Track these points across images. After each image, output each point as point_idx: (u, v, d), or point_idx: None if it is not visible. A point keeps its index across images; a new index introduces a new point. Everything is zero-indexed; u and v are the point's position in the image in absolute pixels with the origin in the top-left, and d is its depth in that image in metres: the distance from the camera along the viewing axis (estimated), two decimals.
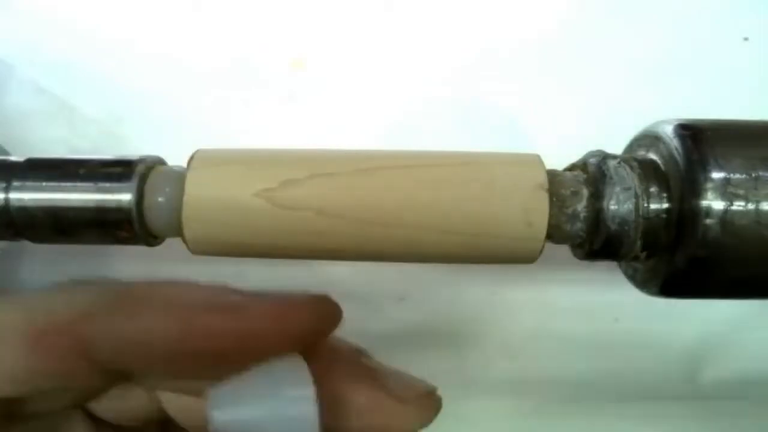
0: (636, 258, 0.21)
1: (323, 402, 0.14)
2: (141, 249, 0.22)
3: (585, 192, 0.21)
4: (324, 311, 0.15)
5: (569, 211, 0.21)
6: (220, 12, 0.33)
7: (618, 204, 0.20)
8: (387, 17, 0.33)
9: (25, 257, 0.34)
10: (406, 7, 0.33)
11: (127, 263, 0.34)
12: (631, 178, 0.20)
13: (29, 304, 0.15)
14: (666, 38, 0.33)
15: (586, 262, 0.22)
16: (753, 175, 0.19)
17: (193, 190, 0.20)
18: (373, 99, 0.34)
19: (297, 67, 0.34)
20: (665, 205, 0.20)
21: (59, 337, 0.14)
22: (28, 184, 0.21)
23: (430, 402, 0.17)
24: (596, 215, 0.21)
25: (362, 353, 0.17)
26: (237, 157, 0.21)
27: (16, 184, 0.21)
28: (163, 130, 0.34)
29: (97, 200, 0.21)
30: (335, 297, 0.20)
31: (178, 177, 0.21)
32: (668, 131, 0.20)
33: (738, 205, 0.19)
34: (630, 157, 0.21)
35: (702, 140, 0.19)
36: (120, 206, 0.20)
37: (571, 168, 0.22)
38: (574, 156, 0.23)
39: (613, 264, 0.23)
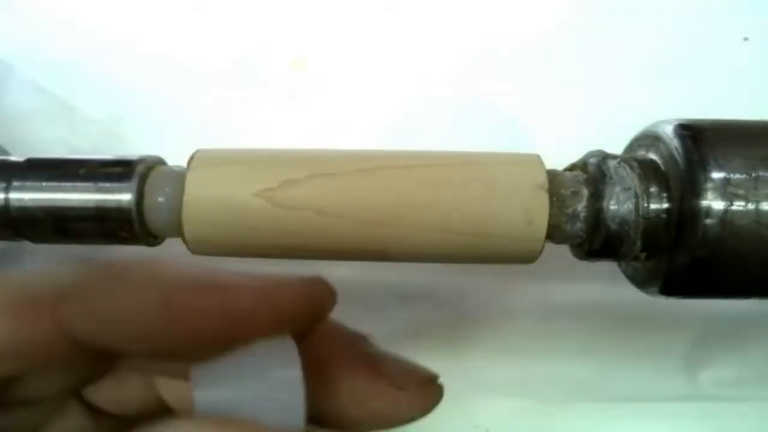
0: (636, 258, 0.21)
1: (313, 385, 0.14)
2: (141, 249, 0.22)
3: (585, 192, 0.21)
4: (316, 293, 0.14)
5: (569, 211, 0.21)
6: (220, 12, 0.33)
7: (618, 204, 0.20)
8: (387, 17, 0.33)
9: (25, 257, 0.34)
10: (406, 7, 0.33)
11: None
12: (631, 178, 0.20)
13: (10, 282, 0.14)
14: (666, 38, 0.33)
15: (586, 262, 0.22)
16: (753, 175, 0.19)
17: (193, 190, 0.20)
18: (373, 99, 0.34)
19: (297, 67, 0.34)
20: (665, 205, 0.20)
21: (38, 313, 0.13)
22: (28, 184, 0.21)
23: (430, 390, 0.17)
24: (596, 215, 0.21)
25: (362, 338, 0.17)
26: (237, 157, 0.21)
27: (16, 184, 0.21)
28: (163, 130, 0.34)
29: (97, 200, 0.21)
30: None
31: (178, 177, 0.21)
32: (668, 131, 0.20)
33: (738, 205, 0.19)
34: (630, 157, 0.21)
35: (702, 140, 0.19)
36: (120, 206, 0.20)
37: (571, 168, 0.22)
38: (574, 156, 0.23)
39: (613, 264, 0.23)
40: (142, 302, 0.13)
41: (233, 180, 0.20)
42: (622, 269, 0.24)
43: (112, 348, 0.13)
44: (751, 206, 0.19)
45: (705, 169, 0.19)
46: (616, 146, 0.23)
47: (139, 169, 0.21)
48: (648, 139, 0.22)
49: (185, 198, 0.20)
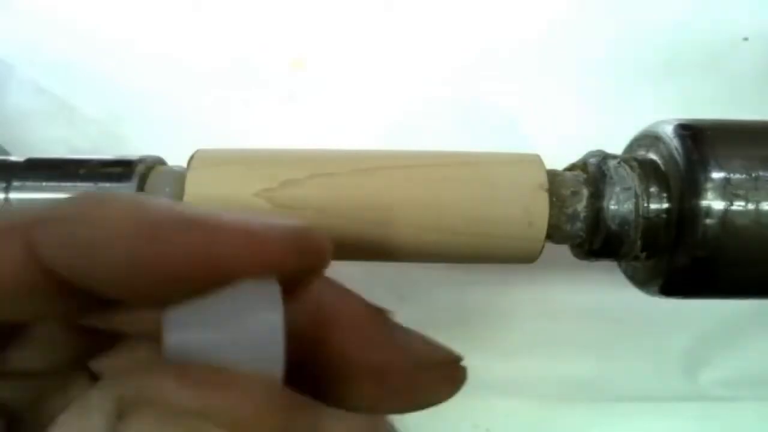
0: (636, 258, 0.21)
1: (326, 358, 0.13)
2: None
3: (585, 192, 0.21)
4: (308, 241, 0.13)
5: (569, 211, 0.21)
6: (220, 12, 0.33)
7: (618, 204, 0.20)
8: (387, 17, 0.33)
9: None
10: (406, 7, 0.33)
11: None
12: (631, 178, 0.20)
13: None
14: (666, 38, 0.33)
15: (586, 262, 0.22)
16: (753, 175, 0.19)
17: (193, 190, 0.20)
18: (373, 99, 0.34)
19: (297, 67, 0.34)
20: (665, 205, 0.20)
21: (8, 237, 0.12)
22: (28, 184, 0.21)
23: (454, 371, 0.15)
24: (596, 215, 0.21)
25: (382, 312, 0.15)
26: (237, 157, 0.21)
27: (16, 184, 0.21)
28: (163, 130, 0.34)
29: None
30: None
31: (178, 177, 0.21)
32: (668, 131, 0.20)
33: (738, 205, 0.19)
34: (630, 157, 0.21)
35: (702, 140, 0.20)
36: None
37: (571, 168, 0.22)
38: (574, 156, 0.23)
39: (613, 264, 0.23)
40: (121, 232, 0.12)
41: (233, 180, 0.20)
42: (622, 269, 0.24)
43: (86, 284, 0.12)
44: (751, 206, 0.19)
45: (705, 169, 0.19)
46: (616, 146, 0.23)
47: (139, 169, 0.21)
48: (648, 139, 0.22)
49: (185, 198, 0.20)
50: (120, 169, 0.21)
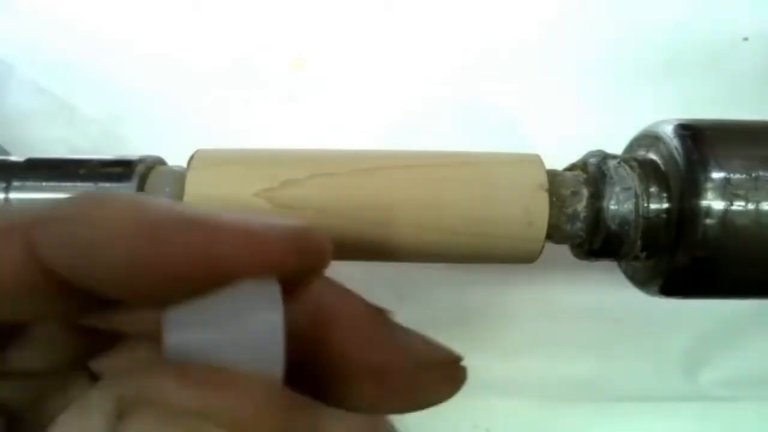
0: (636, 258, 0.21)
1: (326, 358, 0.13)
2: None
3: (585, 192, 0.21)
4: (309, 241, 0.13)
5: (569, 211, 0.21)
6: (220, 12, 0.33)
7: (618, 204, 0.20)
8: (387, 17, 0.33)
9: None
10: (406, 7, 0.33)
11: None
12: (631, 178, 0.20)
13: None
14: (666, 38, 0.33)
15: (586, 262, 0.22)
16: (753, 175, 0.19)
17: (193, 190, 0.20)
18: (373, 99, 0.34)
19: (297, 67, 0.34)
20: (665, 205, 0.20)
21: (9, 237, 0.12)
22: (28, 184, 0.21)
23: (455, 371, 0.15)
24: (596, 215, 0.21)
25: (382, 312, 0.15)
26: (237, 157, 0.21)
27: (16, 184, 0.21)
28: (163, 130, 0.34)
29: None
30: None
31: (178, 177, 0.21)
32: (668, 131, 0.20)
33: (738, 205, 0.19)
34: (630, 157, 0.21)
35: (702, 140, 0.20)
36: None
37: (571, 168, 0.22)
38: (574, 156, 0.23)
39: (613, 264, 0.23)
40: (121, 231, 0.12)
41: (233, 180, 0.20)
42: (622, 269, 0.24)
43: (86, 283, 0.12)
44: (751, 206, 0.19)
45: (705, 169, 0.19)
46: (616, 146, 0.23)
47: (139, 169, 0.21)
48: (648, 139, 0.22)
49: (185, 198, 0.20)
50: (120, 169, 0.21)
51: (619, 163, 0.21)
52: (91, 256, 0.12)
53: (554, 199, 0.20)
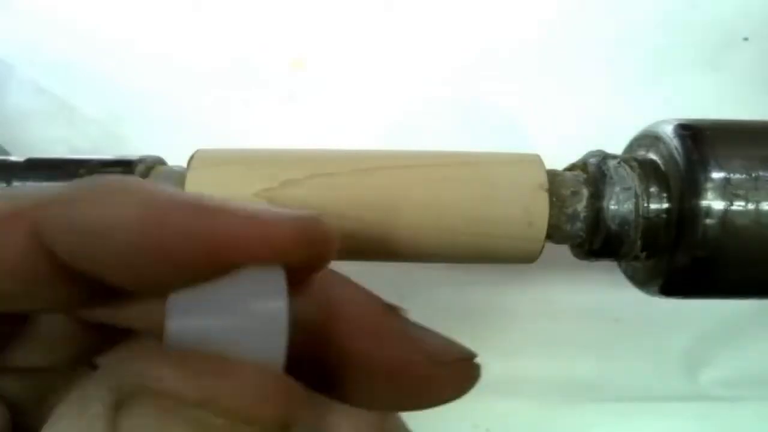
0: (636, 258, 0.21)
1: (337, 353, 0.13)
2: None
3: (585, 192, 0.21)
4: (315, 230, 0.13)
5: (569, 211, 0.21)
6: (220, 12, 0.33)
7: (618, 204, 0.20)
8: (387, 17, 0.33)
9: None
10: (406, 7, 0.33)
11: None
12: (631, 178, 0.20)
13: None
14: (666, 38, 0.33)
15: (586, 262, 0.22)
16: (753, 175, 0.19)
17: (193, 190, 0.20)
18: (373, 99, 0.34)
19: (297, 67, 0.34)
20: (665, 205, 0.20)
21: (15, 221, 0.12)
22: (29, 184, 0.21)
23: (469, 368, 0.15)
24: (596, 215, 0.21)
25: (394, 309, 0.15)
26: (237, 157, 0.21)
27: (16, 184, 0.21)
28: (163, 130, 0.34)
29: None
30: None
31: (178, 177, 0.21)
32: (668, 131, 0.20)
33: (738, 205, 0.19)
34: (630, 157, 0.21)
35: (702, 140, 0.19)
36: None
37: (571, 168, 0.22)
38: (574, 156, 0.23)
39: (613, 264, 0.23)
40: (126, 215, 0.12)
41: (233, 180, 0.20)
42: (622, 269, 0.24)
43: (90, 269, 0.12)
44: (751, 206, 0.19)
45: (705, 169, 0.19)
46: (616, 146, 0.23)
47: (139, 169, 0.21)
48: (648, 139, 0.22)
49: None
50: (120, 169, 0.21)
51: (619, 163, 0.21)
52: (96, 240, 0.12)
53: (554, 199, 0.20)
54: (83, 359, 0.16)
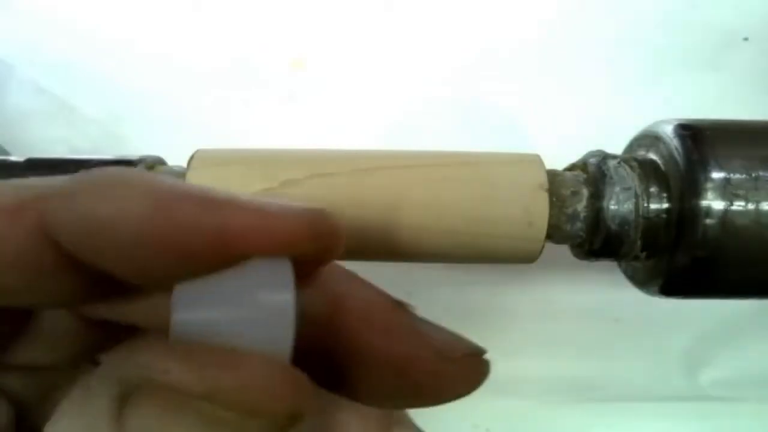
0: (636, 258, 0.21)
1: (345, 349, 0.13)
2: None
3: (585, 192, 0.21)
4: (322, 222, 0.12)
5: (569, 211, 0.21)
6: (220, 12, 0.33)
7: (618, 204, 0.20)
8: (387, 17, 0.33)
9: None
10: (406, 7, 0.33)
11: None
12: (631, 178, 0.20)
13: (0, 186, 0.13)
14: (666, 38, 0.33)
15: (586, 262, 0.22)
16: (753, 175, 0.19)
17: None
18: (373, 99, 0.34)
19: (297, 67, 0.34)
20: (665, 205, 0.20)
21: (21, 210, 0.12)
22: (31, 178, 0.21)
23: (478, 363, 0.15)
24: (596, 215, 0.21)
25: (402, 304, 0.15)
26: (237, 157, 0.21)
27: None
28: (163, 130, 0.34)
29: None
30: None
31: (178, 177, 0.21)
32: (668, 131, 0.20)
33: (738, 205, 0.19)
34: (630, 157, 0.21)
35: (702, 140, 0.19)
36: None
37: (571, 168, 0.22)
38: (574, 156, 0.23)
39: (613, 264, 0.23)
40: (133, 208, 0.12)
41: (233, 180, 0.20)
42: (622, 269, 0.24)
43: (96, 261, 0.12)
44: (751, 206, 0.19)
45: (705, 169, 0.19)
46: (616, 146, 0.23)
47: (139, 169, 0.21)
48: (648, 139, 0.22)
49: None
50: None
51: (619, 163, 0.21)
52: (102, 232, 0.12)
53: (554, 199, 0.20)
54: (86, 357, 0.16)
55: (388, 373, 0.14)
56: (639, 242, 0.20)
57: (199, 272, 0.12)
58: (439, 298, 0.36)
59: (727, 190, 0.19)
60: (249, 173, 0.20)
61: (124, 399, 0.11)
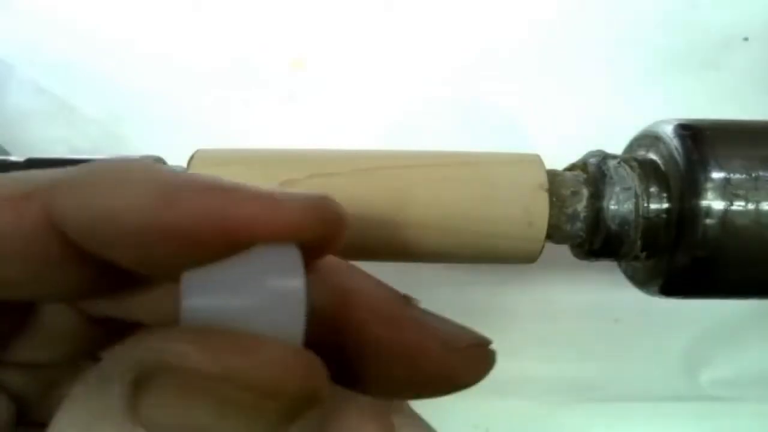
0: (636, 258, 0.21)
1: (353, 342, 0.13)
2: None
3: (585, 192, 0.21)
4: (327, 209, 0.13)
5: (569, 211, 0.21)
6: (220, 12, 0.33)
7: (618, 204, 0.20)
8: (387, 17, 0.33)
9: None
10: (406, 7, 0.33)
11: None
12: (631, 178, 0.20)
13: (7, 178, 0.13)
14: (666, 38, 0.33)
15: (586, 262, 0.22)
16: (753, 175, 0.19)
17: None
18: (373, 99, 0.34)
19: (297, 67, 0.34)
20: (665, 205, 0.20)
21: (28, 202, 0.12)
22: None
23: (483, 353, 0.15)
24: (596, 215, 0.21)
25: (407, 297, 0.15)
26: (237, 157, 0.21)
27: None
28: (163, 130, 0.34)
29: None
30: None
31: None
32: (668, 131, 0.20)
33: (738, 205, 0.19)
34: (630, 157, 0.21)
35: (702, 140, 0.20)
36: None
37: (571, 168, 0.22)
38: (574, 156, 0.23)
39: (613, 264, 0.23)
40: (139, 197, 0.12)
41: (233, 180, 0.20)
42: (622, 269, 0.24)
43: (102, 251, 0.12)
44: (751, 206, 0.19)
45: (705, 169, 0.19)
46: (616, 146, 0.23)
47: None
48: (648, 139, 0.22)
49: None
50: None
51: (619, 163, 0.21)
52: (108, 221, 0.12)
53: (554, 199, 0.20)
54: (87, 355, 0.16)
55: (396, 365, 0.14)
56: (639, 242, 0.20)
57: (206, 260, 0.12)
58: (439, 298, 0.36)
59: (727, 190, 0.19)
60: (249, 173, 0.20)
61: (139, 383, 0.11)
